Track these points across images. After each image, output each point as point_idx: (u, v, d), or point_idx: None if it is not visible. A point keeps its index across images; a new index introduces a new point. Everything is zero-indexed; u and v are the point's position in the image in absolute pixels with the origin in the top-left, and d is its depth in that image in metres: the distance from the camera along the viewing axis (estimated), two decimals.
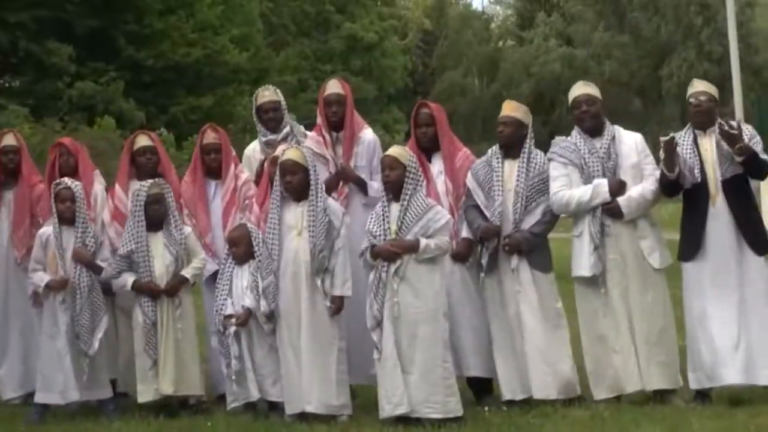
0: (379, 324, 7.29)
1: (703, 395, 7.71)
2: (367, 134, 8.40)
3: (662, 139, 7.57)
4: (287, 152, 7.63)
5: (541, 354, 7.75)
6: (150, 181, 7.93)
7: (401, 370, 7.23)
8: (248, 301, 7.67)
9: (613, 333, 7.75)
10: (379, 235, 7.36)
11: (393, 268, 7.30)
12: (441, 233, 7.39)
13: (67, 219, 7.89)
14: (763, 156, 7.66)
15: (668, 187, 7.72)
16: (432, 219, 7.37)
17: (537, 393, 7.73)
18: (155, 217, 7.86)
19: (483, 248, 7.85)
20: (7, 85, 30.25)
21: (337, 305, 7.49)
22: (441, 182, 7.99)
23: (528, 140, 7.94)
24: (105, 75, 28.12)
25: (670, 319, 7.87)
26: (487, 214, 7.81)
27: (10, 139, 8.61)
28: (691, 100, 7.83)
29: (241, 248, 7.77)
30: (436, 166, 8.04)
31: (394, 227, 7.35)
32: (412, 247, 7.30)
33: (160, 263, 7.86)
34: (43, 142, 18.41)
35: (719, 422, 7.02)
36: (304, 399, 7.43)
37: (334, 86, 8.37)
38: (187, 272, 7.93)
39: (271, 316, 7.56)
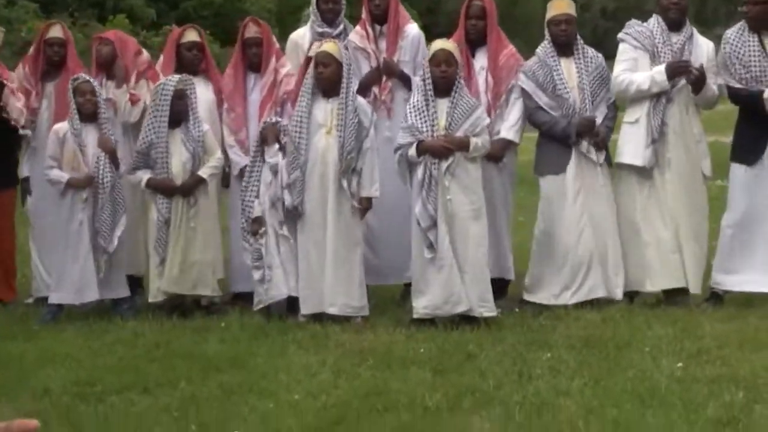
0: (435, 223, 7.21)
1: (715, 297, 7.73)
2: (412, 29, 8.25)
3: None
4: (324, 45, 7.52)
5: (615, 251, 7.81)
6: (177, 76, 7.86)
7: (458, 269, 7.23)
8: (267, 202, 7.63)
9: (652, 227, 7.77)
10: (426, 131, 7.24)
11: (444, 165, 7.22)
12: (485, 132, 7.36)
13: (87, 114, 7.82)
14: None
15: (743, 103, 7.68)
16: (479, 117, 7.32)
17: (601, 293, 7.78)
18: (177, 113, 7.77)
19: (574, 144, 7.76)
20: None
21: (365, 206, 7.46)
22: (482, 78, 7.93)
23: (578, 36, 7.90)
24: None
25: (706, 228, 7.90)
26: (556, 114, 7.76)
27: (56, 31, 8.46)
28: (745, 5, 7.67)
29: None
30: (480, 61, 7.95)
31: (443, 123, 7.26)
32: (464, 145, 7.23)
33: (177, 160, 7.81)
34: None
35: (731, 324, 7.06)
36: (326, 301, 7.42)
37: None
38: (203, 172, 7.87)
39: (296, 212, 7.49)
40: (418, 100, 7.32)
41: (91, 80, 7.87)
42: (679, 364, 6.11)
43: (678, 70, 7.61)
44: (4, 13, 22.77)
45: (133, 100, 8.24)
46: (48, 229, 8.27)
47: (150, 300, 7.89)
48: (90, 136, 7.84)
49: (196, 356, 6.60)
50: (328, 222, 7.42)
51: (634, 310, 7.56)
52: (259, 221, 7.66)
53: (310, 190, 7.46)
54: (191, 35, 8.36)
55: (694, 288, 7.78)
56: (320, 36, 8.18)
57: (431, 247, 7.20)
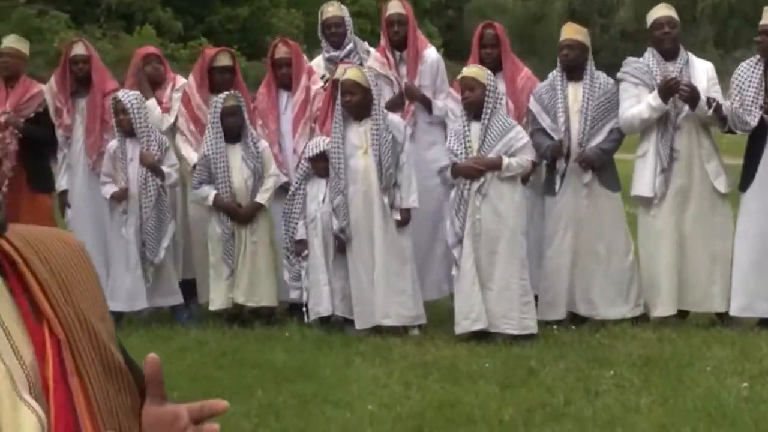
0: (460, 241, 7.38)
1: (765, 320, 7.79)
2: (431, 53, 8.39)
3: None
4: (348, 72, 7.65)
5: (605, 274, 7.85)
6: (226, 93, 7.97)
7: (480, 285, 7.35)
8: (326, 220, 7.75)
9: (673, 253, 7.82)
10: (461, 153, 7.42)
11: (475, 185, 7.37)
12: (522, 152, 7.47)
13: (126, 131, 7.98)
14: None
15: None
16: (514, 138, 7.45)
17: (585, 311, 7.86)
18: (232, 129, 7.90)
19: (553, 169, 7.88)
20: None
21: (404, 217, 7.59)
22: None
23: (589, 62, 7.96)
24: None
25: (730, 245, 7.92)
26: (555, 136, 7.86)
27: (80, 48, 8.61)
28: (759, 35, 7.76)
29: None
30: (498, 87, 8.07)
31: (475, 145, 7.42)
32: (495, 165, 7.37)
33: (239, 176, 7.94)
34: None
35: None
36: (378, 313, 7.56)
37: (395, 6, 8.35)
38: (261, 198, 7.99)
39: (342, 234, 7.62)
40: (457, 125, 7.56)
41: (122, 97, 7.95)
42: (744, 384, 6.18)
43: (669, 88, 7.67)
44: (35, 23, 22.96)
45: (165, 108, 8.43)
46: (90, 240, 8.45)
47: (211, 308, 8.02)
48: (135, 150, 7.99)
49: (264, 365, 6.70)
50: (375, 238, 7.58)
51: (690, 331, 7.62)
52: (303, 243, 7.80)
53: (355, 211, 7.62)
54: (224, 59, 8.46)
55: (719, 307, 7.85)
56: (329, 60, 8.40)
57: (456, 264, 7.39)
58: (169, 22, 27.44)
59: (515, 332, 7.35)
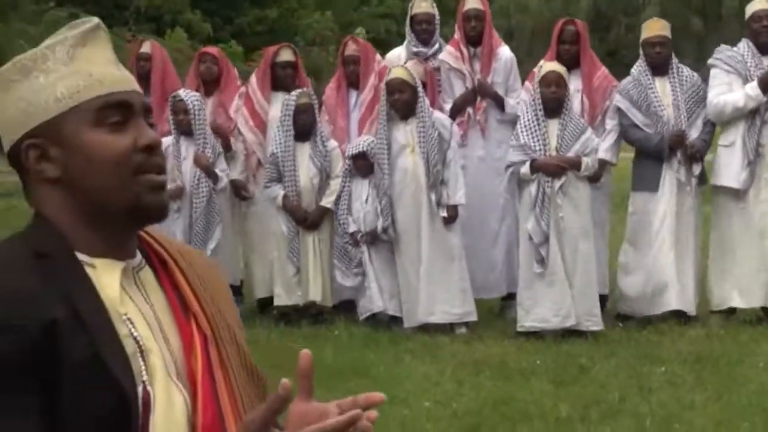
0: (547, 239, 7.37)
1: None
2: (505, 51, 8.38)
3: None
4: (394, 71, 7.65)
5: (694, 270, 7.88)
6: (299, 90, 7.99)
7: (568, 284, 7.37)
8: (370, 220, 7.77)
9: (746, 245, 7.78)
10: (539, 150, 7.42)
11: (558, 183, 7.39)
12: (594, 153, 7.53)
13: (184, 130, 8.01)
14: None
15: None
16: (589, 138, 7.51)
17: (680, 306, 7.77)
18: (303, 127, 7.90)
19: (659, 163, 7.81)
20: None
21: (452, 214, 7.60)
22: (577, 100, 7.99)
23: (673, 56, 7.96)
24: None
25: None
26: (650, 131, 7.82)
27: (145, 47, 8.83)
28: None
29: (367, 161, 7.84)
30: (574, 83, 8.00)
31: (553, 143, 7.43)
32: (576, 164, 7.40)
33: (305, 175, 7.94)
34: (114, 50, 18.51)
35: None
36: (425, 311, 7.56)
37: (473, 1, 8.31)
38: (327, 202, 7.99)
39: (385, 234, 7.64)
40: (529, 120, 7.50)
41: (185, 97, 7.97)
42: None
43: None
44: (65, 24, 23.03)
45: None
46: None
47: (276, 303, 8.13)
48: (189, 150, 8.02)
49: (314, 363, 6.68)
50: (422, 236, 7.59)
51: (738, 327, 7.60)
52: (355, 234, 7.83)
53: (402, 209, 7.63)
54: (286, 54, 8.50)
55: None
56: (415, 55, 8.34)
57: (542, 262, 7.37)
58: (198, 24, 27.50)
59: (596, 329, 7.40)
